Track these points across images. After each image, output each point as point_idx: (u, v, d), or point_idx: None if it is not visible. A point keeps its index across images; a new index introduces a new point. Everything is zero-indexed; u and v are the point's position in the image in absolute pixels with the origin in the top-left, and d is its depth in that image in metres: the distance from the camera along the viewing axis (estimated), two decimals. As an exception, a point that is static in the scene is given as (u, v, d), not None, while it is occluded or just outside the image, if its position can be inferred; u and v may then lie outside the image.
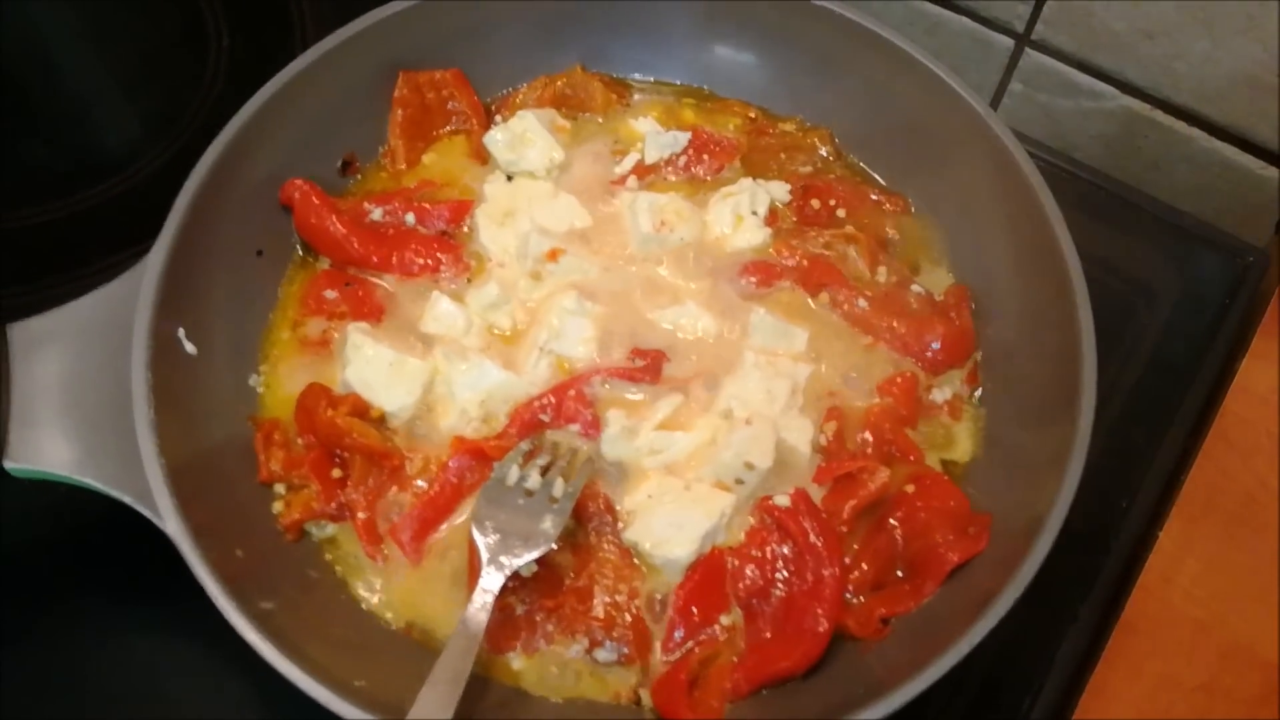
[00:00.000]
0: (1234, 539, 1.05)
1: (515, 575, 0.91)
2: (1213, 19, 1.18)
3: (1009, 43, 1.35)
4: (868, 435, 1.03)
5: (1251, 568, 1.03)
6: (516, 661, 0.94)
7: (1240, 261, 1.22)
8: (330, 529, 0.99)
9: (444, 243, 1.12)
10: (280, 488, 0.99)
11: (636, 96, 1.26)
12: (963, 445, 1.05)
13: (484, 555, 0.90)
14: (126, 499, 0.89)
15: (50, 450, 0.91)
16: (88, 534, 1.05)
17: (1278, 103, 1.21)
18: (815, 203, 1.16)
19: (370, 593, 0.97)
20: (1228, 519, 1.06)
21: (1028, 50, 1.35)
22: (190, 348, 0.99)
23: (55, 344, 0.95)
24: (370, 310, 1.09)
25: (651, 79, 1.26)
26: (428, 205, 1.13)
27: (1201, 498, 1.07)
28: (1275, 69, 1.19)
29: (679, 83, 1.26)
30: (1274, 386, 1.13)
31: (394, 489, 1.00)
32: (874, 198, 1.18)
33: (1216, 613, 1.02)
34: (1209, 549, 1.05)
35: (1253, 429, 1.10)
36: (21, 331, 0.95)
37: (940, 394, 1.07)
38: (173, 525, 0.87)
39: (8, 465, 0.90)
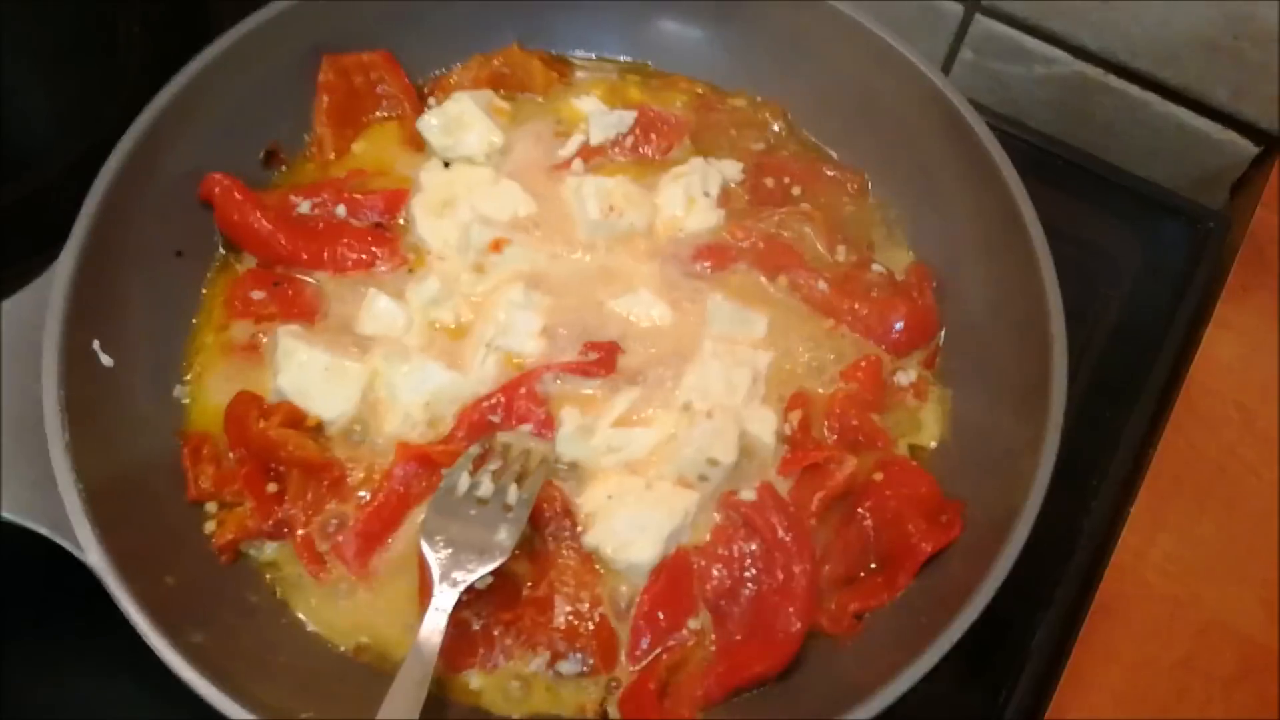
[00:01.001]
0: (1206, 512, 1.04)
1: (470, 589, 0.86)
2: (1168, -18, 1.16)
3: (959, 9, 1.31)
4: (833, 423, 0.99)
5: (1224, 541, 1.02)
6: (475, 680, 0.89)
7: (1201, 227, 1.20)
8: (269, 549, 0.93)
9: (379, 236, 1.06)
10: (212, 506, 0.94)
11: (578, 74, 1.20)
12: (930, 428, 1.02)
13: (435, 572, 0.84)
14: (42, 530, 0.83)
15: (-46, 478, 0.84)
16: (4, 566, 0.97)
17: (1235, 65, 1.19)
18: (769, 181, 1.12)
19: (315, 615, 0.91)
20: (1198, 492, 1.04)
21: (978, 16, 1.31)
22: (107, 360, 0.93)
23: (-44, 361, 0.88)
24: (302, 311, 1.02)
25: (593, 55, 1.21)
26: (359, 196, 1.07)
27: (1171, 471, 1.05)
28: (1232, 32, 1.16)
29: (622, 59, 1.21)
30: (1239, 354, 1.11)
31: (335, 502, 0.94)
32: (830, 174, 1.14)
33: (1191, 589, 1.00)
34: (1181, 523, 1.03)
35: (1220, 399, 1.08)
36: (-82, 348, 0.88)
37: (905, 376, 1.04)
38: (94, 556, 0.80)
39: (-94, 497, 0.83)
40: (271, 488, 0.93)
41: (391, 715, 0.76)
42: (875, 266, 1.08)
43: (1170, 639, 0.98)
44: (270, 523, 0.92)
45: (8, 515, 0.83)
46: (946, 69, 1.38)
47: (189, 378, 0.99)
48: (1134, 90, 1.28)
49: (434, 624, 0.81)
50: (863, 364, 1.02)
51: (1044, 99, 1.35)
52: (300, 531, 0.92)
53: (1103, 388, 1.11)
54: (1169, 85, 1.25)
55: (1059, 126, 1.33)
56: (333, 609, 0.91)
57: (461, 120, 1.10)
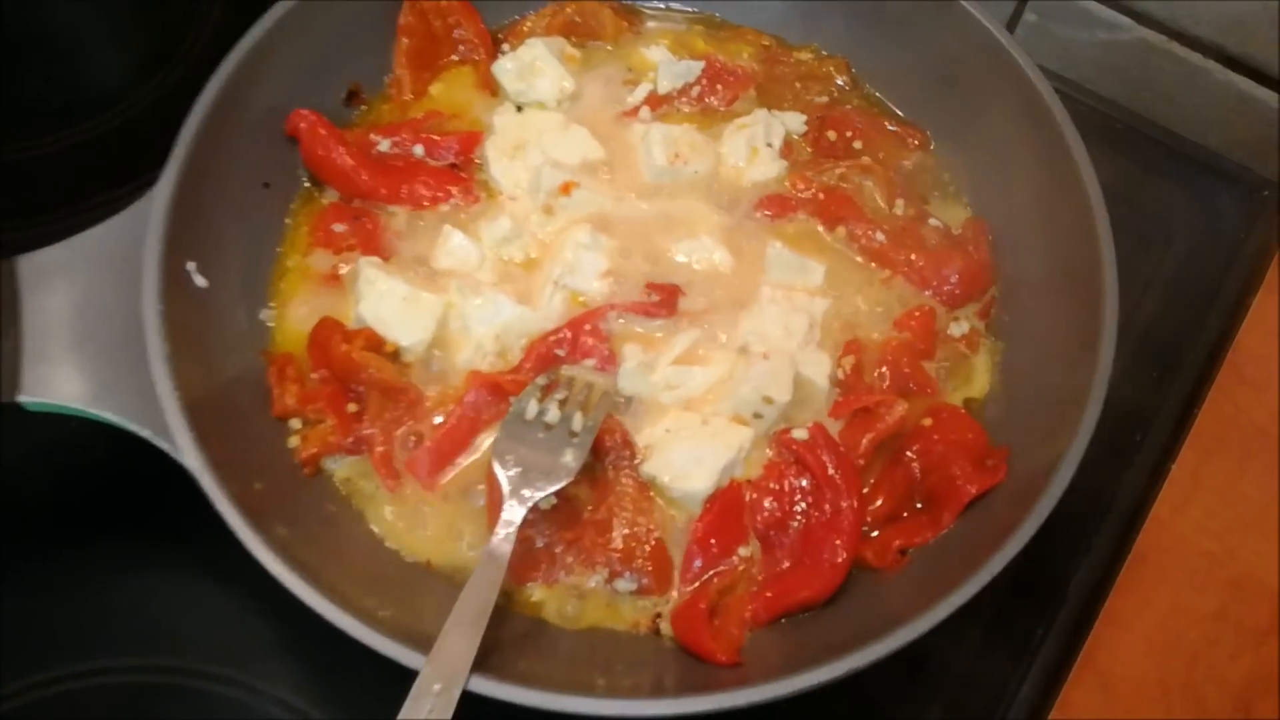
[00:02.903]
0: (1245, 472, 1.06)
1: (535, 509, 0.91)
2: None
3: (1024, -28, 1.33)
4: (885, 369, 1.03)
5: (1262, 501, 1.05)
6: (537, 592, 0.94)
7: (1256, 195, 1.22)
8: (347, 463, 0.99)
9: (454, 175, 1.10)
10: (295, 423, 0.99)
11: (648, 24, 1.23)
12: (980, 379, 1.05)
13: (505, 488, 0.89)
14: (145, 433, 0.88)
15: (64, 384, 0.90)
16: (102, 469, 1.04)
17: (1297, 35, 1.20)
18: (831, 134, 1.15)
19: (387, 527, 0.97)
20: (1240, 452, 1.07)
21: (1044, -20, 1.32)
22: (201, 281, 0.98)
23: (65, 277, 0.93)
24: (380, 243, 1.07)
25: (663, 5, 1.24)
26: (436, 137, 1.11)
27: (1214, 431, 1.08)
28: (1295, 0, 1.17)
29: (691, 9, 1.24)
30: (1288, 320, 1.13)
31: (410, 423, 0.99)
32: (891, 129, 1.16)
33: (1227, 544, 1.03)
34: (1221, 482, 1.06)
35: (1266, 363, 1.10)
36: (30, 264, 0.93)
37: (958, 327, 1.07)
38: (192, 459, 0.86)
39: (22, 399, 0.89)
40: (351, 407, 0.98)
41: (464, 615, 0.81)
42: (932, 220, 1.11)
43: (1205, 590, 1.01)
44: (350, 439, 0.97)
45: (113, 418, 0.89)
46: (1010, 32, 1.40)
47: (275, 302, 1.05)
48: (1195, 58, 1.29)
49: (503, 534, 0.87)
50: (916, 314, 1.06)
51: (1106, 64, 1.36)
52: (378, 448, 0.97)
53: (1151, 347, 1.13)
54: (1230, 54, 1.26)
55: (1120, 92, 1.35)
56: (404, 522, 0.97)
57: (534, 66, 1.14)
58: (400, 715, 0.76)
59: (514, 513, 0.88)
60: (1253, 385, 1.09)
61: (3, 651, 0.96)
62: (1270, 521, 1.03)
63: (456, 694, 0.78)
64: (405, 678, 0.79)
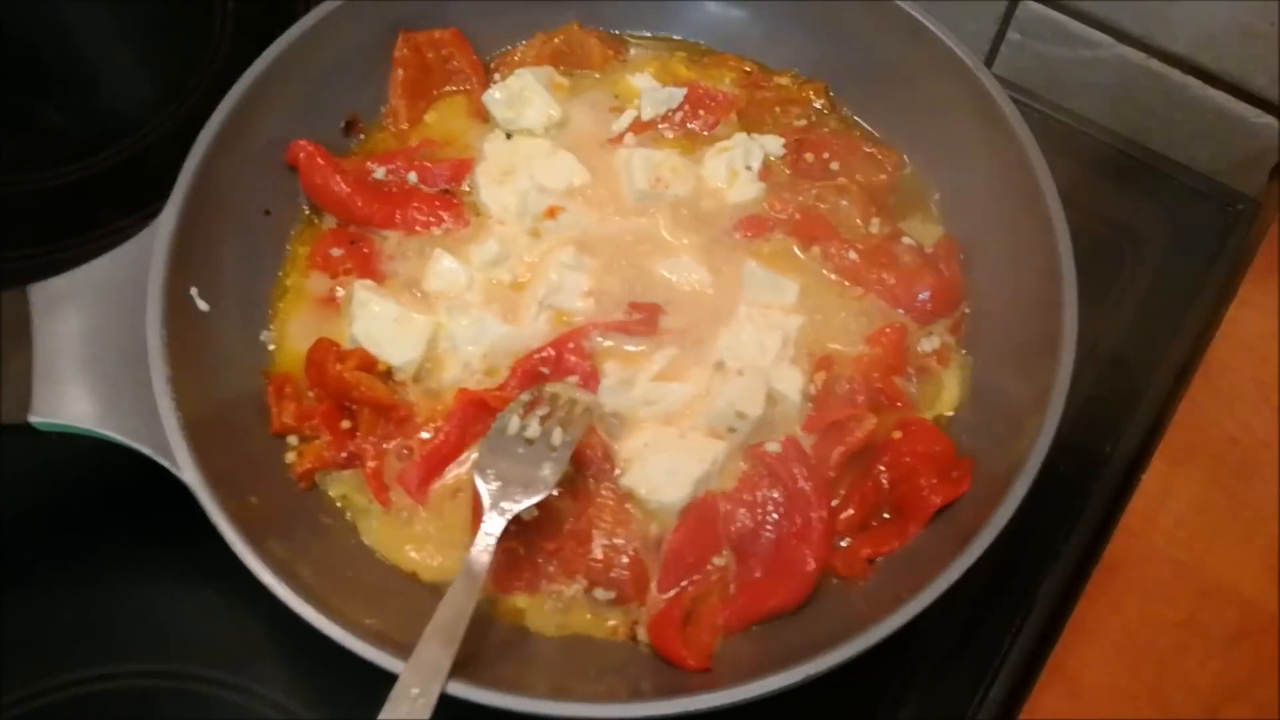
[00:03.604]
0: (1216, 482, 1.08)
1: (517, 519, 0.95)
2: (1207, -32, 1.19)
3: (1006, -8, 1.36)
4: (857, 384, 1.06)
5: (1232, 510, 1.06)
6: (520, 601, 0.98)
7: (1231, 210, 1.24)
8: (341, 478, 1.03)
9: (445, 200, 1.15)
10: (292, 439, 1.04)
11: (633, 51, 1.28)
12: (950, 393, 1.08)
13: (486, 500, 0.94)
14: (146, 450, 0.93)
15: (72, 404, 0.95)
16: (108, 483, 1.09)
17: (1274, 51, 1.22)
18: (809, 156, 1.19)
19: (377, 539, 1.01)
20: (1210, 463, 1.09)
21: (1024, 0, 1.35)
22: (203, 305, 1.03)
23: (74, 303, 0.99)
24: (375, 267, 1.12)
25: (648, 34, 1.28)
26: (429, 164, 1.16)
27: (1185, 442, 1.10)
28: (1270, 18, 1.19)
29: (675, 38, 1.28)
30: (1260, 333, 1.15)
31: (401, 438, 1.04)
32: (867, 150, 1.20)
33: (1197, 553, 1.05)
34: (1191, 491, 1.08)
35: (1237, 375, 1.12)
36: (42, 292, 0.99)
37: (929, 343, 1.10)
38: (190, 475, 0.91)
39: (32, 419, 0.95)
40: (345, 424, 1.03)
41: (442, 622, 0.86)
42: (905, 239, 1.14)
43: (1173, 598, 1.03)
44: (344, 454, 1.02)
45: (117, 437, 0.95)
46: (994, 51, 1.43)
47: (274, 324, 1.10)
48: (1175, 74, 1.31)
49: (483, 545, 0.91)
50: (888, 330, 1.09)
51: (1088, 82, 1.38)
52: (370, 463, 1.02)
53: (1124, 359, 1.16)
54: (1209, 70, 1.28)
55: (1103, 109, 1.37)
56: (394, 534, 1.01)
57: (523, 95, 1.19)
58: (380, 717, 0.81)
59: (494, 524, 0.93)
60: (1223, 396, 1.11)
61: (14, 656, 1.02)
62: (1239, 531, 1.05)
63: (434, 698, 0.82)
64: (390, 681, 0.83)
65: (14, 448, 1.03)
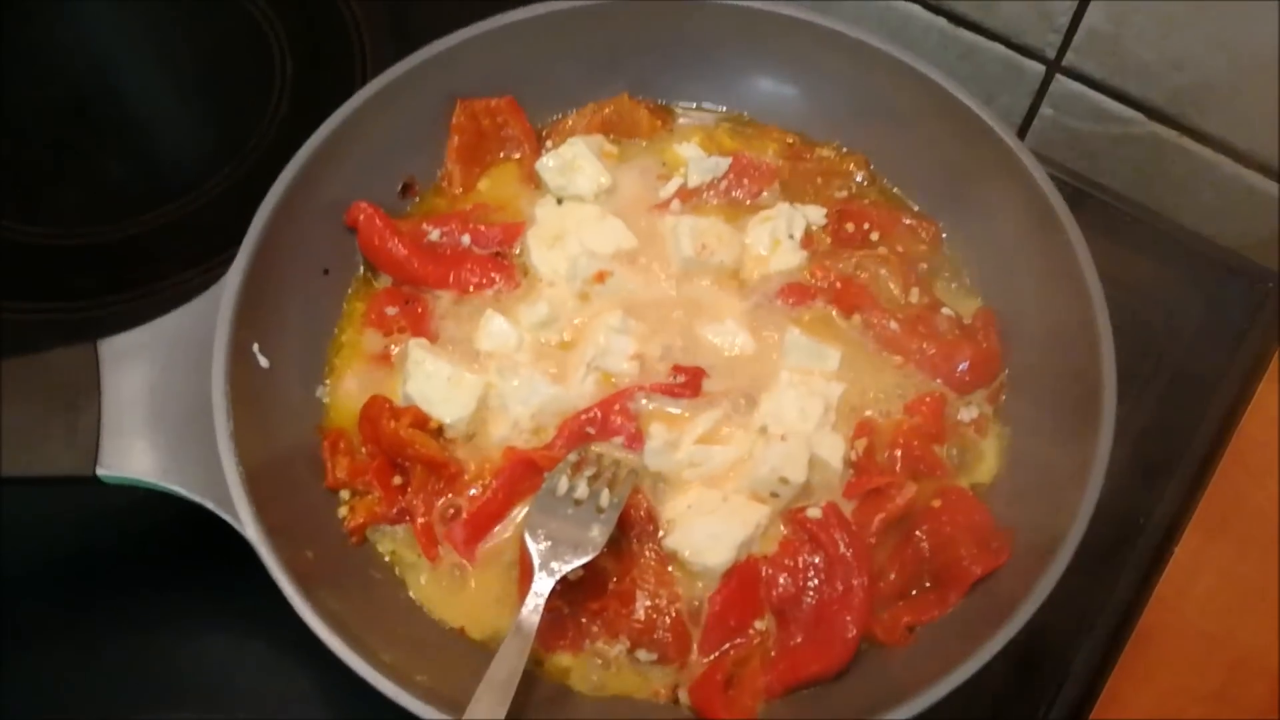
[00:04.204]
0: (1246, 556, 1.10)
1: (563, 580, 0.97)
2: (1239, 54, 1.22)
3: (1040, 69, 1.40)
4: (897, 452, 1.08)
5: (1262, 584, 1.08)
6: (563, 659, 1.00)
7: (1261, 287, 1.27)
8: (392, 533, 1.06)
9: (497, 263, 1.19)
10: (345, 494, 1.07)
11: (680, 121, 1.32)
12: (988, 462, 1.11)
13: (536, 560, 0.96)
14: (208, 505, 0.96)
15: (138, 458, 0.98)
16: (164, 535, 1.12)
17: (1302, 133, 1.25)
18: (850, 226, 1.22)
19: (424, 594, 1.04)
20: (1241, 537, 1.11)
21: (1058, 77, 1.39)
22: (264, 361, 1.07)
23: (141, 358, 1.02)
24: (428, 326, 1.16)
25: (694, 105, 1.32)
26: (482, 227, 1.20)
27: (1217, 515, 1.12)
28: (1300, 100, 1.23)
29: (720, 109, 1.32)
30: (1291, 409, 1.17)
31: (450, 495, 1.07)
32: (907, 222, 1.23)
33: (1227, 626, 1.06)
34: (1222, 565, 1.10)
35: (1268, 450, 1.14)
36: (110, 347, 1.02)
37: (967, 413, 1.12)
38: (252, 531, 0.94)
39: (100, 473, 0.98)
40: (397, 480, 1.06)
41: (494, 681, 0.88)
42: (945, 310, 1.17)
43: (1205, 670, 1.05)
44: (395, 510, 1.05)
45: (181, 491, 0.98)
46: (1027, 125, 1.47)
47: (329, 380, 1.13)
48: (1206, 152, 1.35)
49: (532, 605, 0.93)
50: (927, 399, 1.11)
51: (1120, 156, 1.42)
52: (420, 519, 1.05)
53: (1156, 433, 1.18)
54: (1239, 149, 1.32)
55: (1134, 184, 1.40)
56: (442, 590, 1.04)
57: (574, 163, 1.22)
58: (434, 773, 0.83)
59: (543, 584, 0.95)
60: (1254, 472, 1.13)
61: (67, 701, 1.05)
62: (1269, 604, 1.07)
63: (486, 754, 0.85)
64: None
65: (75, 498, 1.07)
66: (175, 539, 1.11)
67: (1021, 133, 1.47)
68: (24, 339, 1.03)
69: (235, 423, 0.99)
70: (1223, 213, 1.37)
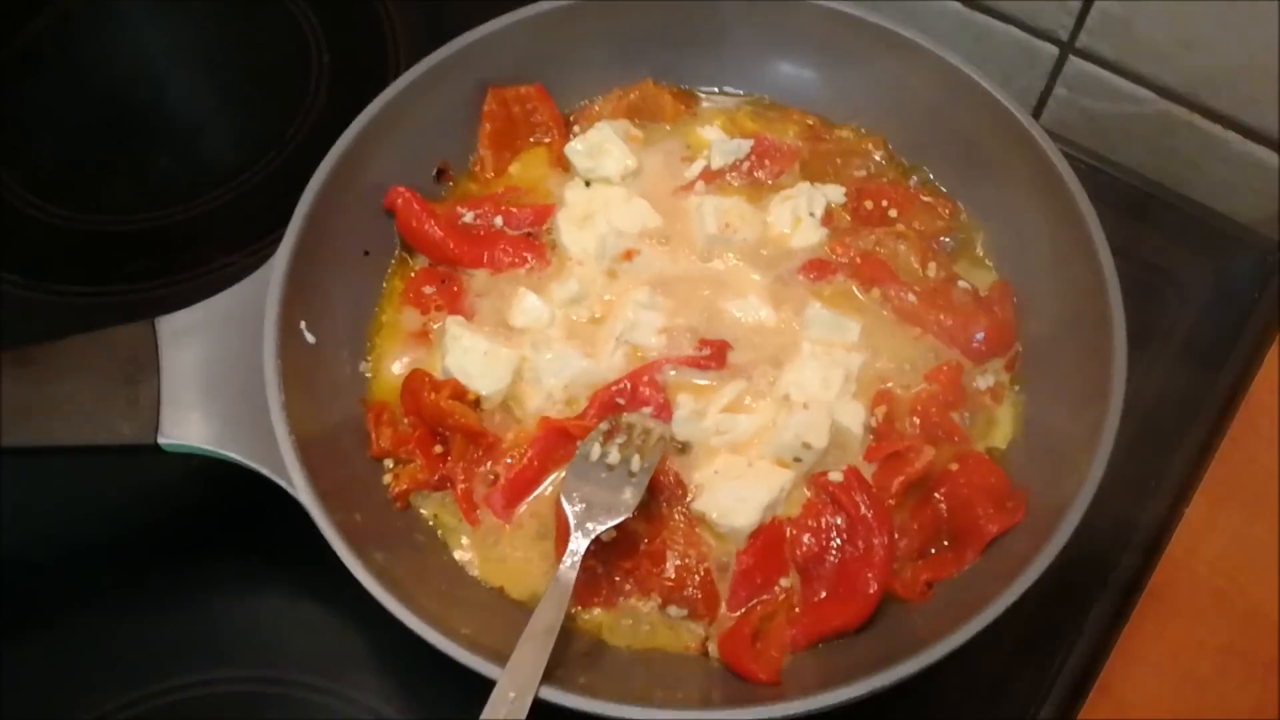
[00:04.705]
0: (1257, 517, 1.14)
1: (597, 540, 1.02)
2: (1248, 34, 1.25)
3: (1054, 50, 1.43)
4: (915, 418, 1.13)
5: (1270, 542, 1.12)
6: (598, 615, 1.05)
7: (1268, 260, 1.30)
8: (432, 498, 1.12)
9: (529, 243, 1.24)
10: (389, 462, 1.12)
11: (703, 105, 1.36)
12: (1003, 428, 1.15)
13: (572, 522, 1.01)
14: (264, 470, 1.02)
15: (196, 428, 1.04)
16: (219, 503, 1.18)
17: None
18: (869, 204, 1.26)
19: (466, 556, 1.10)
20: (1250, 499, 1.14)
21: (1071, 58, 1.42)
22: (311, 338, 1.12)
23: (197, 335, 1.08)
24: (463, 304, 1.21)
25: (716, 89, 1.37)
26: (514, 209, 1.25)
27: (1226, 478, 1.15)
28: (1308, 79, 1.26)
29: (742, 93, 1.36)
30: (1298, 375, 1.20)
31: (489, 463, 1.12)
32: (924, 200, 1.27)
33: (1237, 582, 1.10)
34: (1232, 526, 1.13)
35: (1275, 415, 1.18)
36: (167, 325, 1.08)
37: (983, 381, 1.16)
38: (305, 495, 0.99)
39: (161, 441, 1.04)
40: (438, 449, 1.11)
41: (535, 632, 0.93)
42: (961, 283, 1.21)
43: (1215, 625, 1.09)
44: (436, 477, 1.10)
45: (236, 457, 1.03)
46: (1041, 104, 1.50)
47: (370, 356, 1.19)
48: (1217, 130, 1.37)
49: (569, 562, 0.98)
50: (945, 368, 1.16)
51: (1132, 135, 1.45)
52: (460, 485, 1.10)
53: (1167, 399, 1.21)
54: (1249, 126, 1.35)
55: (1146, 161, 1.43)
56: (482, 552, 1.09)
57: (602, 147, 1.27)
58: (481, 717, 0.88)
59: (579, 543, 1.00)
60: (1263, 436, 1.17)
61: (125, 661, 1.11)
62: (1277, 561, 1.11)
63: (529, 701, 0.90)
64: (478, 688, 0.90)
65: (137, 467, 1.13)
66: (226, 509, 1.17)
67: (1036, 113, 1.50)
68: (86, 319, 1.09)
69: (286, 395, 1.04)
70: (1232, 188, 1.40)
